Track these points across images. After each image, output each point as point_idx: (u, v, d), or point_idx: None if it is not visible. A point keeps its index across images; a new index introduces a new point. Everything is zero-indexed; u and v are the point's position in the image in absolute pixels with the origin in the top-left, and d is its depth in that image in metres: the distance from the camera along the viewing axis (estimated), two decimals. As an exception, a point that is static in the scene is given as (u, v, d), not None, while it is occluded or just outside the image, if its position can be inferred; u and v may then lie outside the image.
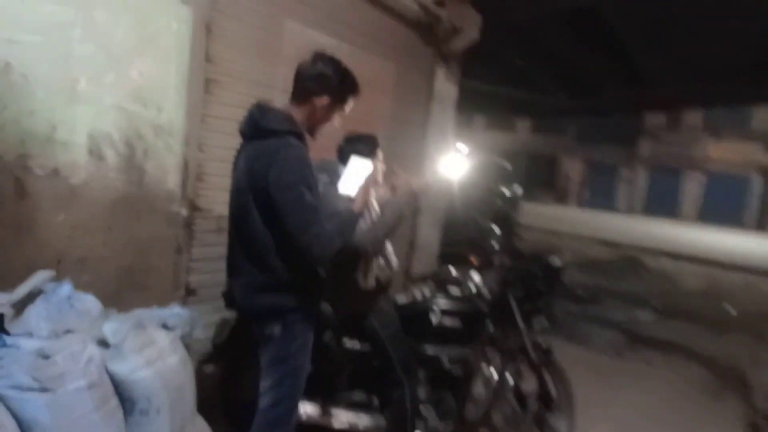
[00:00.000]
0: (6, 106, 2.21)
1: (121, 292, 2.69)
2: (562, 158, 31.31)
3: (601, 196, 29.33)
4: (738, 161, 24.77)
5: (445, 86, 5.16)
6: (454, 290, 3.09)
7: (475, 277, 3.27)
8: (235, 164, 2.13)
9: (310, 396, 2.81)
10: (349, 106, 2.23)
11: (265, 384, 2.11)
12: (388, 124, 4.46)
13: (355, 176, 2.16)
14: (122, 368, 1.98)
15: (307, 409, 2.79)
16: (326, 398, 2.84)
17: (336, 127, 2.26)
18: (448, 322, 2.92)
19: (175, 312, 2.24)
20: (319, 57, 2.14)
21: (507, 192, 9.98)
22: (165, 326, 2.18)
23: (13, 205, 2.29)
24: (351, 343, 2.87)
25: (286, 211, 1.95)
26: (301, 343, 2.13)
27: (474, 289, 3.12)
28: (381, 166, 2.87)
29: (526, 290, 3.19)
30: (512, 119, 30.47)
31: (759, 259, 12.23)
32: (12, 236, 2.30)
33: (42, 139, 2.34)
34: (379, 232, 2.69)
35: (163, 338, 2.12)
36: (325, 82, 2.10)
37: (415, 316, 2.94)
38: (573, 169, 31.06)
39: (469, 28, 4.95)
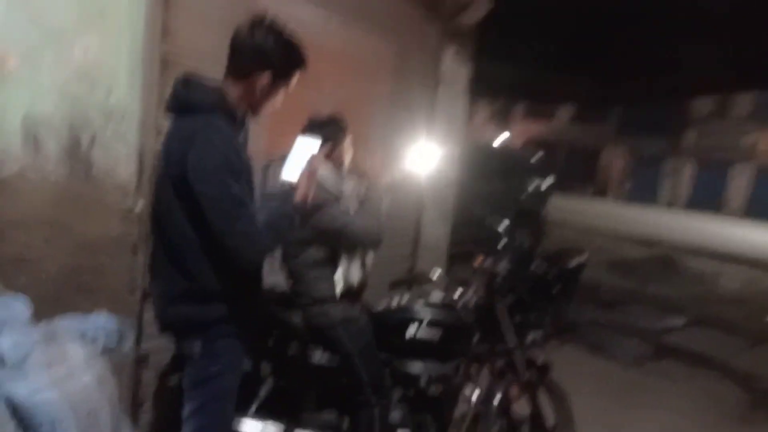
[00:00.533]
0: None
1: (66, 296, 2.45)
2: (602, 149, 30.31)
3: (643, 190, 28.28)
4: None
5: (454, 68, 4.77)
6: (436, 297, 2.76)
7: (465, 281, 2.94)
8: (162, 148, 1.86)
9: (273, 416, 2.54)
10: (295, 81, 1.94)
11: (186, 410, 1.84)
12: (385, 111, 4.13)
13: (300, 160, 1.87)
14: (21, 389, 1.73)
15: (267, 430, 2.51)
16: (291, 419, 2.56)
17: (277, 106, 1.96)
18: (427, 334, 2.60)
19: (99, 322, 1.99)
20: (258, 25, 1.83)
21: (533, 185, 9.56)
22: (85, 339, 1.93)
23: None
24: (319, 357, 2.58)
25: (207, 205, 1.67)
26: (227, 362, 1.85)
27: (459, 296, 2.79)
28: (348, 152, 2.58)
29: (533, 296, 2.85)
30: (551, 108, 29.62)
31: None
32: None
33: (-38, 125, 2.10)
34: (372, 221, 2.42)
35: (77, 353, 1.86)
36: (265, 56, 1.82)
37: (389, 326, 2.64)
38: (614, 160, 30.05)
39: (479, 1, 4.54)
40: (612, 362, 5.04)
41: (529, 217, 8.69)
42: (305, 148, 1.88)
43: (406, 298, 2.75)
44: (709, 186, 26.14)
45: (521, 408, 2.79)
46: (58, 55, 2.32)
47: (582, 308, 6.29)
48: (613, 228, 13.73)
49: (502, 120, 29.06)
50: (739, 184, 25.43)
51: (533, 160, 9.80)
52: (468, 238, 6.47)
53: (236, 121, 1.84)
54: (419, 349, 2.61)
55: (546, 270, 2.97)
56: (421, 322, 2.61)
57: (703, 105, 25.07)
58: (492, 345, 2.76)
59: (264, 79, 1.82)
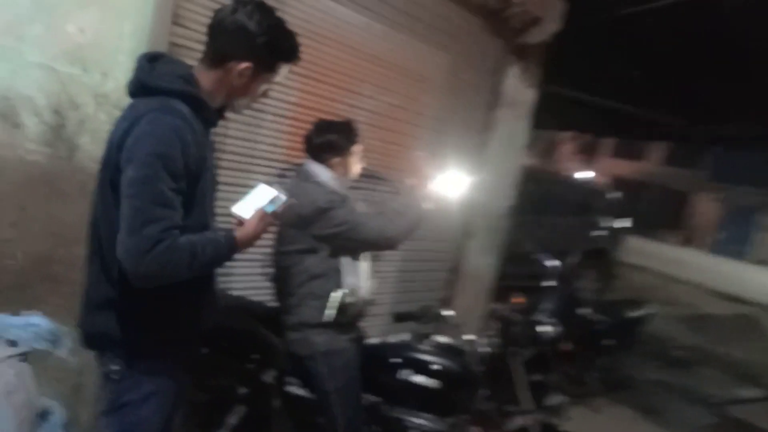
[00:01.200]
0: None
1: (32, 286, 2.27)
2: (693, 195, 28.40)
3: (732, 242, 26.18)
4: None
5: (517, 89, 4.37)
6: (442, 338, 2.37)
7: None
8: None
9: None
10: (282, 74, 1.66)
11: None
12: (431, 127, 3.78)
13: (256, 201, 1.63)
14: None
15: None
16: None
17: (255, 102, 1.70)
18: (424, 380, 2.22)
19: (28, 322, 1.75)
20: (242, 5, 1.55)
21: (606, 223, 8.86)
22: (4, 340, 1.69)
23: None
24: (297, 388, 2.26)
25: (123, 195, 1.39)
26: (151, 391, 1.55)
27: (469, 341, 2.39)
28: (356, 162, 2.28)
29: (577, 346, 2.43)
30: (642, 146, 28.14)
31: None
32: None
33: (-71, 93, 1.96)
34: (404, 224, 2.19)
35: (-14, 356, 1.62)
36: (246, 41, 1.54)
37: (382, 363, 2.28)
38: (704, 208, 28.07)
39: (550, 18, 4.13)
40: (667, 430, 4.40)
41: (599, 257, 8.04)
42: (265, 194, 1.65)
43: (407, 334, 2.39)
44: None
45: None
46: (47, 29, 2.15)
47: (644, 364, 5.62)
48: (695, 279, 12.60)
49: (587, 154, 27.89)
50: None
51: (609, 197, 9.11)
52: (517, 274, 6.01)
53: (205, 113, 1.56)
54: (414, 396, 2.24)
55: (599, 318, 2.55)
56: (419, 364, 2.24)
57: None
58: (501, 404, 2.34)
59: (242, 67, 1.54)
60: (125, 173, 1.40)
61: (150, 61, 1.57)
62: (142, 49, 2.33)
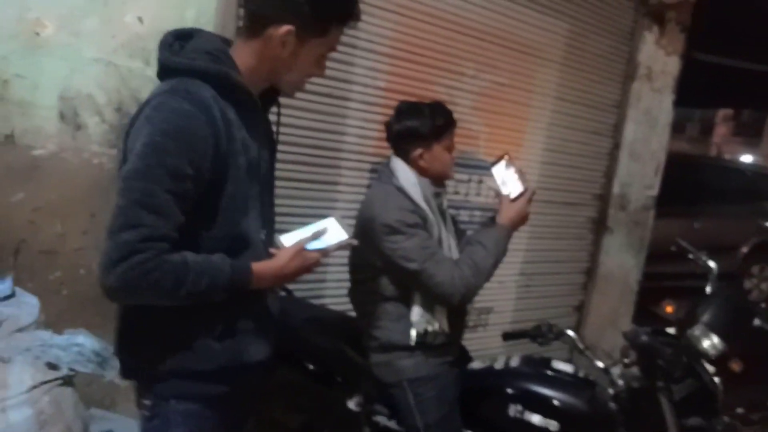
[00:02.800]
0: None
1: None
2: None
3: None
4: None
5: (656, 58, 3.69)
6: (565, 366, 1.87)
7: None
8: None
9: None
10: (335, 40, 1.31)
11: None
12: (548, 106, 3.24)
13: (307, 234, 1.32)
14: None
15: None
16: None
17: (310, 75, 1.34)
18: (540, 420, 1.75)
19: (72, 341, 1.55)
20: None
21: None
22: (45, 362, 1.50)
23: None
24: (385, 419, 1.90)
25: (120, 187, 1.12)
26: None
27: (600, 370, 1.87)
28: (446, 157, 1.84)
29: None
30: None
31: None
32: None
33: (-12, 97, 1.85)
34: (483, 273, 1.75)
35: (19, 382, 1.44)
36: (285, 0, 1.21)
37: (487, 395, 1.85)
38: None
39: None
40: None
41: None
42: (332, 230, 1.35)
43: (518, 358, 1.93)
44: None
45: None
46: (104, 21, 1.99)
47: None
48: None
49: (749, 134, 24.75)
50: None
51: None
52: (665, 274, 5.19)
53: (238, 95, 1.24)
54: (525, 438, 1.77)
55: None
56: (535, 398, 1.77)
57: None
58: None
59: (282, 32, 1.22)
60: (125, 166, 1.14)
61: (179, 38, 1.29)
62: (209, 36, 2.11)
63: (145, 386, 1.29)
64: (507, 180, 1.82)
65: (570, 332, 1.93)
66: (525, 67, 3.07)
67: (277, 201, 1.45)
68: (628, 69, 3.61)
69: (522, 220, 1.81)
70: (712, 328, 1.87)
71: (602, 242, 3.80)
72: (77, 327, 1.93)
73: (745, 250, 7.26)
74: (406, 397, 1.78)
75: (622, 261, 3.95)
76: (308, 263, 1.30)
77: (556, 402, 1.75)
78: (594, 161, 3.59)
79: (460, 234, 2.01)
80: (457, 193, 2.96)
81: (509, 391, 1.80)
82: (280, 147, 1.45)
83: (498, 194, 1.83)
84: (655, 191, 4.01)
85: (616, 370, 1.82)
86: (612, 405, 1.79)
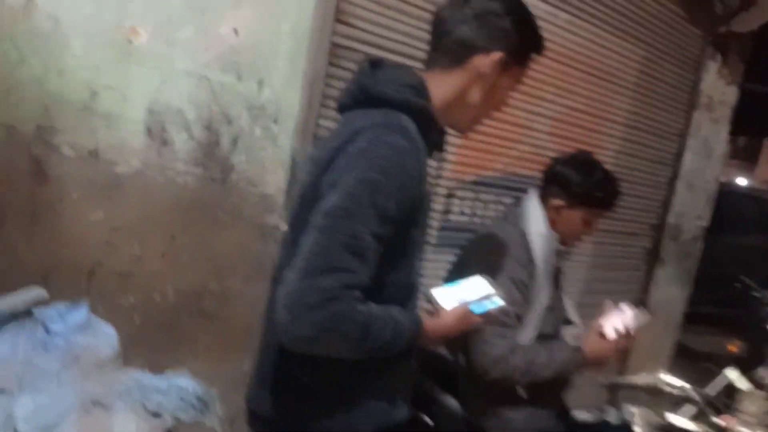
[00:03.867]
0: (25, 59, 1.62)
1: (181, 322, 1.99)
2: None
3: None
4: None
5: (718, 87, 3.61)
6: (680, 419, 1.75)
7: (739, 384, 1.89)
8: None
9: None
10: (527, 71, 1.26)
11: None
12: (620, 134, 3.14)
13: (463, 293, 1.23)
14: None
15: None
16: None
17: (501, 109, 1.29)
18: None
19: (173, 384, 1.42)
20: None
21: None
22: (146, 407, 1.36)
23: (28, 192, 1.70)
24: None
25: (311, 224, 1.02)
26: None
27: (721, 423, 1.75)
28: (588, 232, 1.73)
29: None
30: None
31: None
32: (23, 232, 1.72)
33: (76, 109, 1.72)
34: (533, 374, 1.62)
35: (126, 429, 1.30)
36: (494, 26, 1.16)
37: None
38: None
39: (764, 3, 3.35)
40: None
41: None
42: (482, 293, 1.25)
43: (629, 408, 1.81)
44: None
45: None
46: (199, 31, 1.86)
47: None
48: None
49: (748, 157, 24.86)
50: None
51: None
52: (714, 300, 5.09)
53: (433, 135, 1.17)
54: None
55: None
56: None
57: None
58: None
59: (492, 59, 1.15)
60: (325, 200, 1.02)
61: (372, 67, 1.20)
62: (302, 51, 1.99)
63: None
64: (614, 319, 1.68)
65: (679, 383, 1.82)
66: (599, 93, 2.96)
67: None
68: (691, 98, 3.52)
69: (602, 361, 1.68)
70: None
71: (654, 273, 3.70)
72: (144, 357, 1.80)
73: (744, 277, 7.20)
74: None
75: (670, 292, 3.85)
76: (471, 327, 1.20)
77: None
78: (653, 191, 3.49)
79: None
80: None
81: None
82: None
83: (599, 326, 1.68)
84: (705, 222, 3.93)
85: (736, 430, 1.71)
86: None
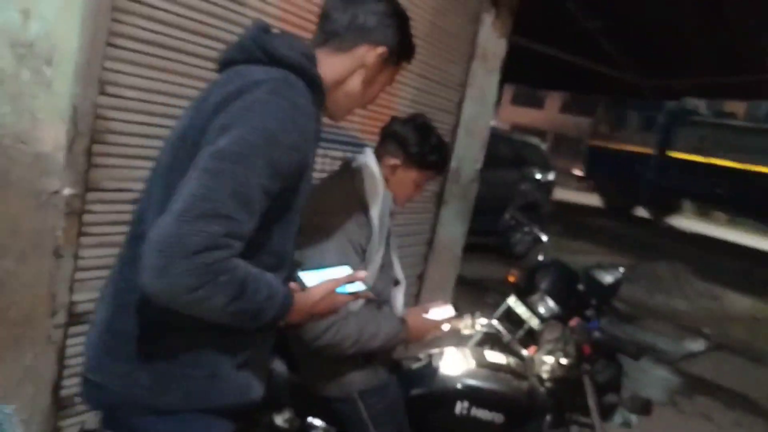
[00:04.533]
0: None
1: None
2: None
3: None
4: None
5: (492, 40, 3.92)
6: (496, 355, 1.94)
7: (518, 309, 2.13)
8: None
9: None
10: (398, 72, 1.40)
11: None
12: (414, 85, 3.25)
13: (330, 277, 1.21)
14: None
15: None
16: None
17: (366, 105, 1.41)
18: (483, 414, 1.78)
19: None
20: None
21: (539, 176, 8.79)
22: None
23: None
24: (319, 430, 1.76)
25: (196, 166, 0.96)
26: None
27: (526, 354, 1.98)
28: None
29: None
30: (542, 95, 28.85)
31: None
32: None
33: None
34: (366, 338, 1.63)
35: None
36: (382, 23, 1.27)
37: (427, 397, 1.82)
38: (600, 154, 29.53)
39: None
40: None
41: (535, 211, 7.96)
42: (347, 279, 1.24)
43: (450, 351, 1.93)
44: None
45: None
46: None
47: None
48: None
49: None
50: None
51: (543, 149, 9.03)
52: (486, 231, 5.69)
53: (318, 97, 1.18)
54: (473, 433, 1.80)
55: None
56: (479, 394, 1.80)
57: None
58: (568, 427, 1.97)
59: (378, 51, 1.25)
60: (213, 143, 0.97)
61: (264, 30, 1.22)
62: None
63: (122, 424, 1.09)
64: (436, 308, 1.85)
65: (495, 323, 2.00)
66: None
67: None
68: (470, 49, 3.77)
69: (419, 336, 1.78)
70: (549, 293, 2.13)
71: (440, 214, 3.99)
72: None
73: (512, 210, 8.31)
74: (357, 410, 1.66)
75: (453, 230, 4.21)
76: (335, 306, 1.19)
77: (500, 396, 1.81)
78: (444, 137, 3.71)
79: None
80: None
81: (457, 387, 1.79)
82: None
83: (429, 309, 1.84)
84: (480, 164, 4.32)
85: (543, 358, 1.94)
86: (542, 391, 1.90)
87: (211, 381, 1.09)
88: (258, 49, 1.15)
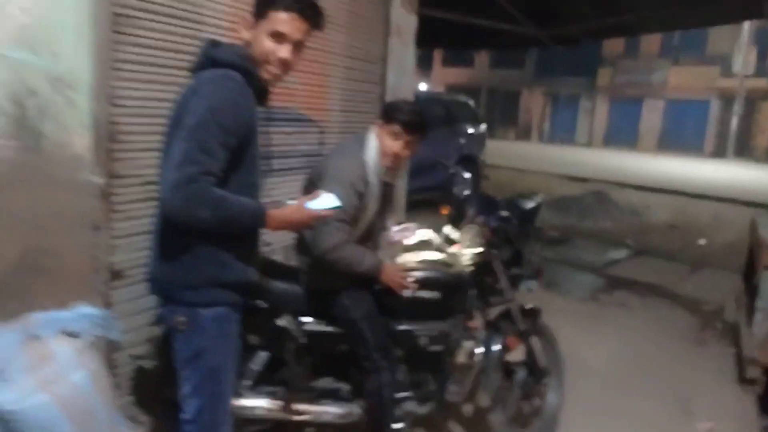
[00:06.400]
0: None
1: (24, 282, 2.19)
2: (521, 92, 30.87)
3: (562, 130, 29.17)
4: (697, 86, 24.79)
5: (403, 16, 4.58)
6: (430, 254, 2.68)
7: (452, 234, 2.86)
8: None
9: (268, 389, 2.43)
10: (281, 25, 1.75)
11: (182, 390, 1.75)
12: (343, 63, 3.91)
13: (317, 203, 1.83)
14: (7, 396, 1.52)
15: (265, 404, 2.39)
16: (287, 390, 2.44)
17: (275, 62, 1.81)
18: (426, 294, 2.52)
19: (81, 313, 1.77)
20: None
21: (471, 130, 9.60)
22: (68, 333, 1.71)
23: None
24: (313, 325, 2.46)
25: (177, 138, 1.61)
26: (218, 334, 1.76)
27: (452, 251, 2.72)
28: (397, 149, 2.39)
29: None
30: (470, 54, 29.66)
31: (722, 186, 12.25)
32: None
33: None
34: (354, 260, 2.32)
35: (64, 351, 1.66)
36: None
37: (385, 287, 2.54)
38: (533, 103, 30.75)
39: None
40: (567, 298, 5.19)
41: (471, 162, 8.75)
42: (327, 200, 1.83)
43: (400, 256, 2.66)
44: (624, 122, 27.24)
45: (517, 355, 2.81)
46: (-9, 13, 1.99)
47: (531, 248, 6.45)
48: (541, 168, 14.13)
49: (423, 67, 28.85)
50: (651, 118, 26.70)
51: (472, 105, 9.81)
52: (427, 187, 6.45)
53: (256, 86, 1.76)
54: (418, 309, 2.53)
55: (509, 215, 2.95)
56: (426, 280, 2.52)
57: (615, 44, 25.84)
58: (487, 298, 2.74)
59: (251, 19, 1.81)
60: (185, 122, 1.60)
61: (213, 45, 1.80)
62: (85, 22, 2.24)
63: (177, 300, 1.71)
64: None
65: (431, 231, 2.73)
66: (324, 32, 3.63)
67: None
68: (385, 27, 4.43)
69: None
70: (475, 220, 2.85)
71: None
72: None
73: (452, 162, 9.13)
74: (343, 301, 2.35)
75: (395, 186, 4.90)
76: (305, 218, 1.82)
77: (435, 279, 2.54)
78: (370, 106, 4.39)
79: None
80: (287, 144, 3.48)
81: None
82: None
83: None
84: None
85: (465, 251, 2.69)
86: (466, 274, 2.65)
87: (222, 268, 1.73)
88: (207, 58, 1.73)
